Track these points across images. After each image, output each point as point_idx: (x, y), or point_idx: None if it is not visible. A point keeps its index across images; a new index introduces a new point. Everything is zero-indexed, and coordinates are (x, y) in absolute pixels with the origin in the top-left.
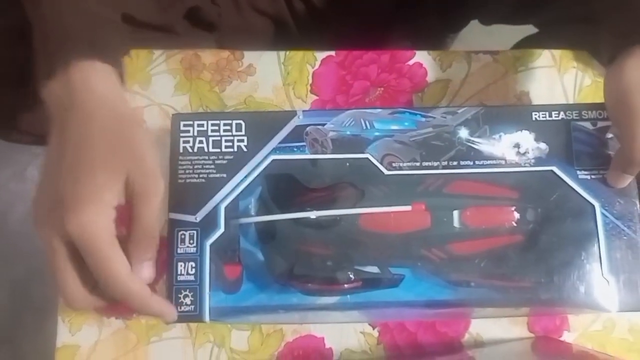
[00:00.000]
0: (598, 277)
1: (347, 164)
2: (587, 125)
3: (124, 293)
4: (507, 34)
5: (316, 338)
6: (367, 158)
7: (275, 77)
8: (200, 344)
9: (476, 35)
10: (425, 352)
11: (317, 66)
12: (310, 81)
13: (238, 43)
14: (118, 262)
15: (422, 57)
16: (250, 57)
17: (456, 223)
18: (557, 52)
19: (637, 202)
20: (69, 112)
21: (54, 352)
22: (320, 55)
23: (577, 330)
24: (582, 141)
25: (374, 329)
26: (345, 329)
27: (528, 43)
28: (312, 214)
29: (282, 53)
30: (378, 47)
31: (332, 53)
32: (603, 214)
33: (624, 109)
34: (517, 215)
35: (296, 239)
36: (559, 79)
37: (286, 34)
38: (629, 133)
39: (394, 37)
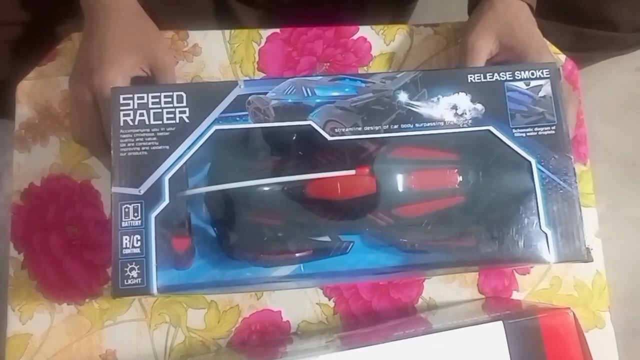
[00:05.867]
0: (536, 230)
1: (291, 131)
2: (521, 85)
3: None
4: None
5: (273, 312)
6: (310, 125)
7: (221, 56)
8: (156, 325)
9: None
10: (380, 318)
11: (262, 43)
12: (256, 59)
13: (176, 21)
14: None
15: (366, 32)
16: (195, 36)
17: (401, 187)
18: None
19: (572, 157)
20: (99, 6)
21: (4, 342)
22: (266, 32)
23: (525, 290)
24: (516, 100)
25: (329, 299)
26: (301, 302)
27: None
28: (258, 182)
29: (227, 32)
30: (327, 24)
31: (277, 30)
32: (539, 170)
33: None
34: (459, 177)
35: (246, 212)
36: None
37: (227, 11)
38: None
39: (343, 13)
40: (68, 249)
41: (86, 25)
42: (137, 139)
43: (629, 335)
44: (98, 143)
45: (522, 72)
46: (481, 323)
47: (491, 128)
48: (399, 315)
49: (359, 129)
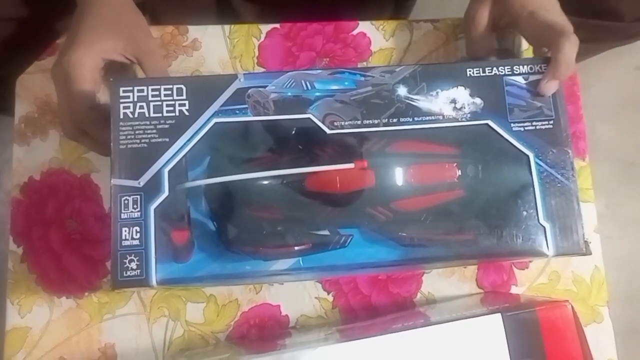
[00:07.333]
0: (535, 223)
1: (290, 125)
2: (519, 79)
3: (75, 124)
4: None
5: (272, 306)
6: (309, 118)
7: (221, 51)
8: (155, 319)
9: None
10: (379, 313)
11: (262, 38)
12: (256, 54)
13: (177, 17)
14: (83, 96)
15: (365, 27)
16: (195, 31)
17: (400, 181)
18: None
19: (569, 151)
20: None
21: (3, 336)
22: (265, 27)
23: (524, 285)
24: (514, 95)
25: (328, 294)
26: (300, 296)
27: None
28: (257, 175)
29: (227, 27)
30: (326, 19)
31: (277, 25)
32: (537, 164)
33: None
34: (458, 171)
35: (245, 206)
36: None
37: (227, 6)
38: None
39: (343, 9)
40: (67, 243)
41: (74, 14)
42: (136, 132)
43: (628, 334)
44: (67, 125)
45: (521, 67)
46: (480, 315)
47: (490, 122)
48: (397, 310)
49: (358, 122)
